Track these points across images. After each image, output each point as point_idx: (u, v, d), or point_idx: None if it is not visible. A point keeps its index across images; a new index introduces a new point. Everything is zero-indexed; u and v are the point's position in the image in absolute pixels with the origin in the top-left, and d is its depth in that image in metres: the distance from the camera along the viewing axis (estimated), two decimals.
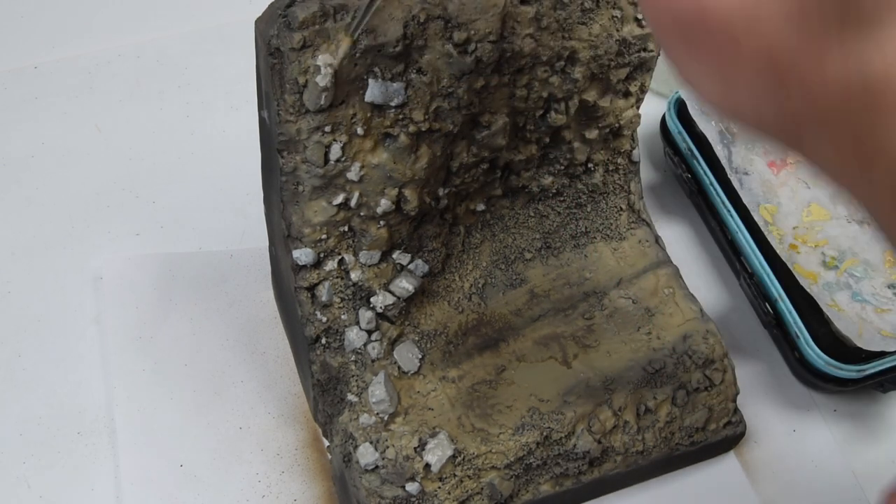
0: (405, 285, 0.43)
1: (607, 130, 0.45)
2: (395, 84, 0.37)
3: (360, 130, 0.38)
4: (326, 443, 0.47)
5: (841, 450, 0.50)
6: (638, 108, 0.45)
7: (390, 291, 0.43)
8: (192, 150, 0.60)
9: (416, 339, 0.44)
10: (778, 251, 0.51)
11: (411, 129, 0.38)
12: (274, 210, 0.42)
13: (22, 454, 0.47)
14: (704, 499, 0.48)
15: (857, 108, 0.20)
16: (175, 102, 0.63)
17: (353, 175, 0.39)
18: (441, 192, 0.42)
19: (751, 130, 0.24)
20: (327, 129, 0.38)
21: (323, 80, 0.36)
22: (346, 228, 0.41)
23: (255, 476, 0.47)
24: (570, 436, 0.43)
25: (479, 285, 0.46)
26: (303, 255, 0.40)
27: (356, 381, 0.43)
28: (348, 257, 0.41)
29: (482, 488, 0.42)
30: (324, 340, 0.43)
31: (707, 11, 0.21)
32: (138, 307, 0.52)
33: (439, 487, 0.41)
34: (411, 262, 0.43)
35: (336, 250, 0.41)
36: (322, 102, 0.37)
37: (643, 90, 0.45)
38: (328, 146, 0.38)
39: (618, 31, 0.41)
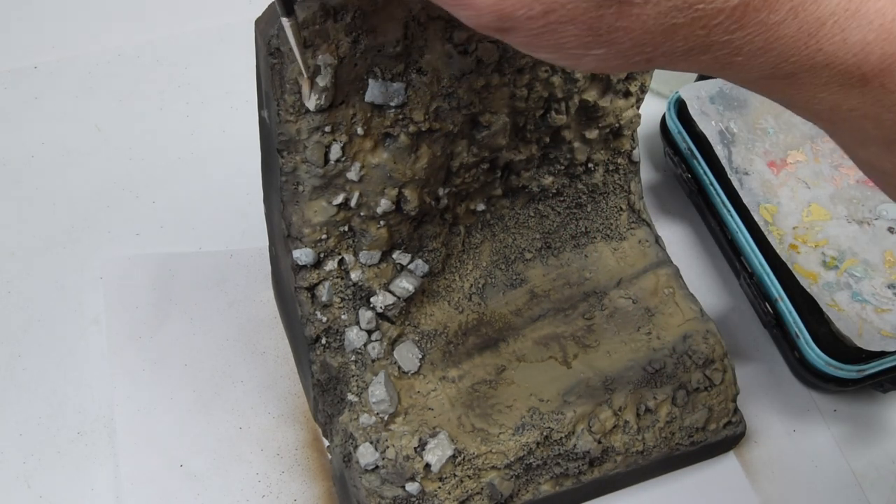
0: (405, 285, 0.43)
1: (607, 130, 0.45)
2: (395, 84, 0.37)
3: (360, 130, 0.38)
4: (326, 443, 0.47)
5: (841, 450, 0.50)
6: (638, 108, 0.45)
7: (390, 291, 0.43)
8: (192, 150, 0.60)
9: (416, 339, 0.44)
10: (778, 251, 0.51)
11: (411, 129, 0.38)
12: (274, 210, 0.42)
13: (22, 454, 0.47)
14: (704, 499, 0.48)
15: None
16: (175, 102, 0.63)
17: (353, 175, 0.39)
18: (441, 191, 0.42)
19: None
20: (327, 129, 0.38)
21: (323, 80, 0.36)
22: (346, 228, 0.41)
23: (255, 476, 0.47)
24: (570, 436, 0.43)
25: (480, 285, 0.46)
26: (303, 255, 0.40)
27: (356, 381, 0.43)
28: (348, 257, 0.41)
29: (482, 488, 0.42)
30: (324, 340, 0.43)
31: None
32: (138, 307, 0.52)
33: (439, 487, 0.41)
34: (411, 262, 0.43)
35: (336, 250, 0.41)
36: (322, 102, 0.37)
37: (643, 90, 0.45)
38: (328, 146, 0.38)
39: None
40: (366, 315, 0.42)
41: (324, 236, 0.40)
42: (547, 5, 0.24)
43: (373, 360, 0.43)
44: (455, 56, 0.37)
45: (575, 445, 0.43)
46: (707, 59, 0.26)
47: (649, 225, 0.50)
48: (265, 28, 0.37)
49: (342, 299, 0.42)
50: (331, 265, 0.41)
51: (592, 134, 0.45)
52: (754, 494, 0.48)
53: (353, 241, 0.41)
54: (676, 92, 0.58)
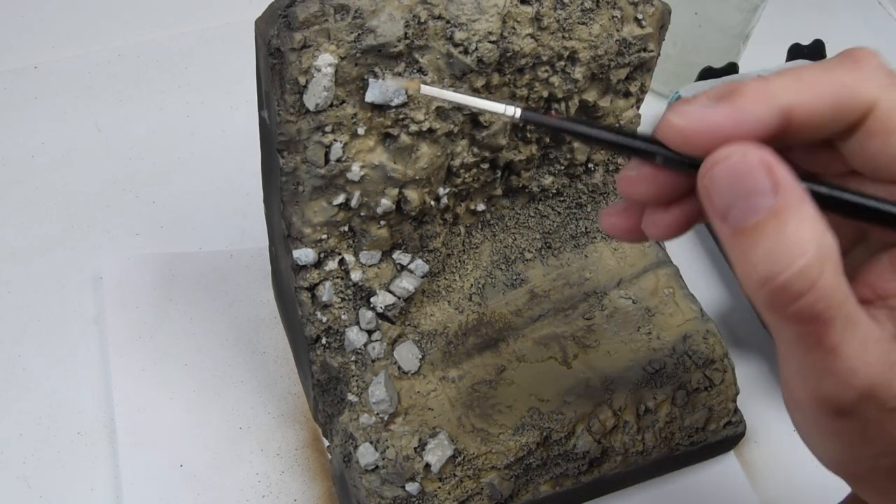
0: (405, 285, 0.43)
1: None
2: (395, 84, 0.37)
3: (360, 130, 0.38)
4: (326, 443, 0.47)
5: None
6: (638, 108, 0.45)
7: (390, 291, 0.43)
8: (192, 150, 0.60)
9: (417, 339, 0.44)
10: None
11: (412, 128, 0.38)
12: (274, 210, 0.42)
13: (22, 454, 0.47)
14: (704, 499, 0.48)
15: None
16: (175, 102, 0.63)
17: (353, 175, 0.39)
18: (441, 191, 0.42)
19: (854, 478, 0.28)
20: (327, 129, 0.38)
21: (323, 79, 0.36)
22: (346, 228, 0.41)
23: (255, 476, 0.47)
24: (570, 436, 0.43)
25: (480, 285, 0.46)
26: (303, 255, 0.40)
27: (356, 381, 0.43)
28: (348, 257, 0.41)
29: (482, 488, 0.42)
30: (324, 340, 0.43)
31: (867, 400, 0.24)
32: (138, 307, 0.52)
33: (439, 487, 0.41)
34: (411, 262, 0.43)
35: (336, 250, 0.41)
36: (322, 102, 0.37)
37: (643, 90, 0.45)
38: (328, 146, 0.38)
39: (618, 31, 0.41)
40: (366, 315, 0.42)
41: (324, 236, 0.40)
42: None
43: (373, 360, 0.43)
44: (455, 56, 0.37)
45: (575, 446, 0.43)
46: None
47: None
48: (265, 28, 0.37)
49: (342, 299, 0.42)
50: (331, 265, 0.41)
51: None
52: (754, 494, 0.48)
53: (354, 241, 0.41)
54: (676, 92, 0.58)
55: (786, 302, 0.23)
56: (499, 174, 0.45)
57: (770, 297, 0.23)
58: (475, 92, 0.39)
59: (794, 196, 0.24)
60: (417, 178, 0.40)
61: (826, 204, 0.25)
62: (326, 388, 0.44)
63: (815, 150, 0.28)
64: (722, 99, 0.25)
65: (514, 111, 0.29)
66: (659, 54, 0.43)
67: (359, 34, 0.36)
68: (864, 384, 0.24)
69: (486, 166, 0.43)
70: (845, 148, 0.26)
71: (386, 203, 0.40)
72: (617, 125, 0.45)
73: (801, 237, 0.23)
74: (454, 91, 0.31)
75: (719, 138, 0.25)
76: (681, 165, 0.26)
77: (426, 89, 0.31)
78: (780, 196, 0.23)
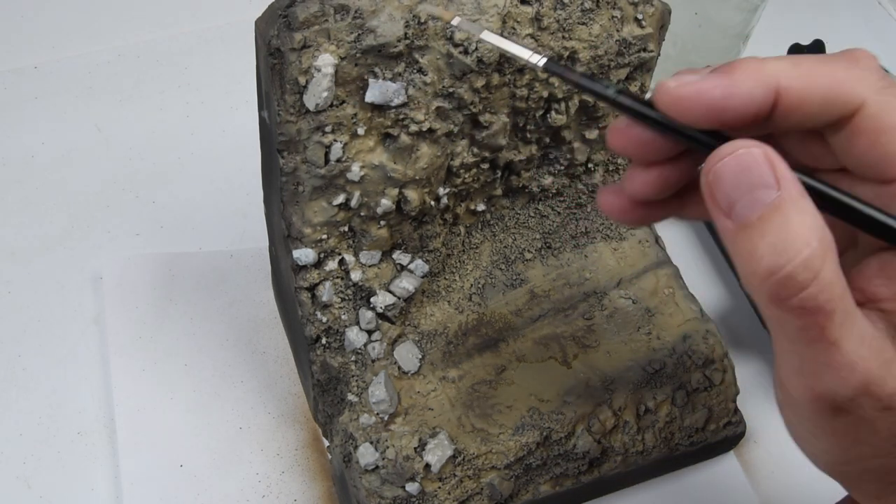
0: (405, 285, 0.43)
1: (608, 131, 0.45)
2: (395, 84, 0.37)
3: (360, 130, 0.38)
4: (326, 443, 0.47)
5: None
6: None
7: (390, 291, 0.43)
8: (192, 150, 0.60)
9: (417, 339, 0.44)
10: None
11: (412, 128, 0.38)
12: (274, 210, 0.42)
13: (22, 454, 0.47)
14: (704, 499, 0.48)
15: None
16: (175, 102, 0.63)
17: (353, 175, 0.39)
18: (441, 191, 0.42)
19: (846, 480, 0.28)
20: (327, 129, 0.38)
21: (323, 80, 0.36)
22: (346, 228, 0.41)
23: (255, 476, 0.47)
24: (570, 436, 0.43)
25: (480, 285, 0.46)
26: (303, 255, 0.40)
27: (356, 381, 0.43)
28: (349, 257, 0.41)
29: (482, 488, 0.42)
30: (324, 340, 0.43)
31: (863, 397, 0.25)
32: (138, 307, 0.52)
33: (439, 487, 0.41)
34: (411, 262, 0.43)
35: (336, 250, 0.41)
36: (322, 103, 0.37)
37: (643, 90, 0.45)
38: (328, 146, 0.38)
39: (618, 31, 0.41)
40: (366, 315, 0.42)
41: (324, 236, 0.40)
42: None
43: (373, 361, 0.43)
44: (456, 56, 0.37)
45: (575, 446, 0.43)
46: None
47: (649, 225, 0.50)
48: (265, 28, 0.37)
49: (342, 299, 0.42)
50: (331, 265, 0.41)
51: (592, 134, 0.45)
52: (754, 494, 0.48)
53: (354, 242, 0.41)
54: None
55: (790, 293, 0.24)
56: (499, 174, 0.45)
57: (774, 289, 0.24)
58: (475, 92, 0.39)
59: (795, 190, 0.24)
60: (417, 178, 0.40)
61: (816, 201, 0.25)
62: (326, 388, 0.44)
63: (809, 144, 0.28)
64: (717, 71, 0.26)
65: (538, 59, 0.30)
66: (659, 54, 0.43)
67: (359, 34, 0.36)
68: (861, 380, 0.24)
69: (486, 166, 0.43)
70: (835, 143, 0.27)
71: (386, 203, 0.40)
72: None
73: (804, 229, 0.24)
74: (486, 30, 0.32)
75: (709, 108, 0.26)
76: (671, 131, 0.27)
77: (458, 21, 0.34)
78: (782, 190, 0.24)
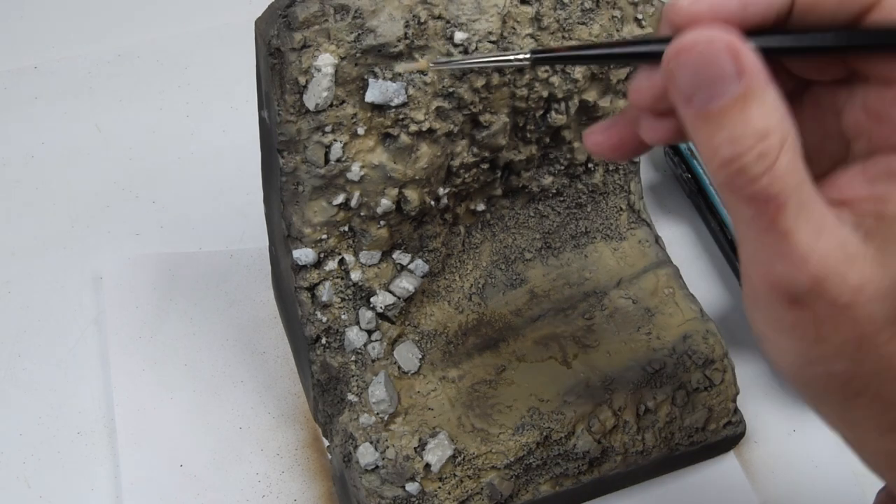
0: (405, 285, 0.43)
1: None
2: (395, 84, 0.37)
3: (360, 130, 0.38)
4: (326, 443, 0.47)
5: (841, 450, 0.50)
6: None
7: (390, 291, 0.43)
8: (192, 150, 0.60)
9: (416, 339, 0.44)
10: None
11: (412, 128, 0.38)
12: (274, 210, 0.42)
13: (22, 454, 0.47)
14: (704, 499, 0.48)
15: None
16: (175, 102, 0.63)
17: (353, 175, 0.39)
18: (441, 191, 0.42)
19: (810, 390, 0.28)
20: (327, 129, 0.38)
21: (323, 79, 0.36)
22: (346, 228, 0.41)
23: (255, 476, 0.47)
24: (570, 436, 0.43)
25: (480, 285, 0.46)
26: (303, 255, 0.40)
27: (356, 381, 0.43)
28: (348, 257, 0.41)
29: (482, 488, 0.42)
30: (324, 340, 0.43)
31: (819, 290, 0.24)
32: (138, 307, 0.52)
33: (439, 487, 0.41)
34: (411, 262, 0.43)
35: (336, 250, 0.41)
36: (322, 102, 0.37)
37: None
38: (328, 146, 0.38)
39: (618, 31, 0.41)
40: (366, 315, 0.42)
41: (324, 236, 0.40)
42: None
43: (373, 360, 0.43)
44: (456, 56, 0.37)
45: (575, 445, 0.43)
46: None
47: (649, 225, 0.50)
48: (265, 28, 0.37)
49: (342, 299, 0.42)
50: (331, 265, 0.41)
51: None
52: (754, 494, 0.48)
53: (354, 241, 0.41)
54: None
55: (744, 184, 0.24)
56: (499, 174, 0.45)
57: (728, 179, 0.24)
58: (475, 92, 0.39)
59: (759, 81, 0.24)
60: (417, 178, 0.40)
61: (782, 54, 0.25)
62: (326, 388, 0.44)
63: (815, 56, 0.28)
64: None
65: (524, 56, 0.30)
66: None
67: (359, 34, 0.36)
68: (815, 271, 0.24)
69: (486, 166, 0.43)
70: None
71: (386, 203, 0.40)
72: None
73: (762, 121, 0.24)
74: (462, 61, 0.32)
75: (727, 20, 0.25)
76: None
77: (435, 66, 0.33)
78: (744, 81, 0.24)
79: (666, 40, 0.26)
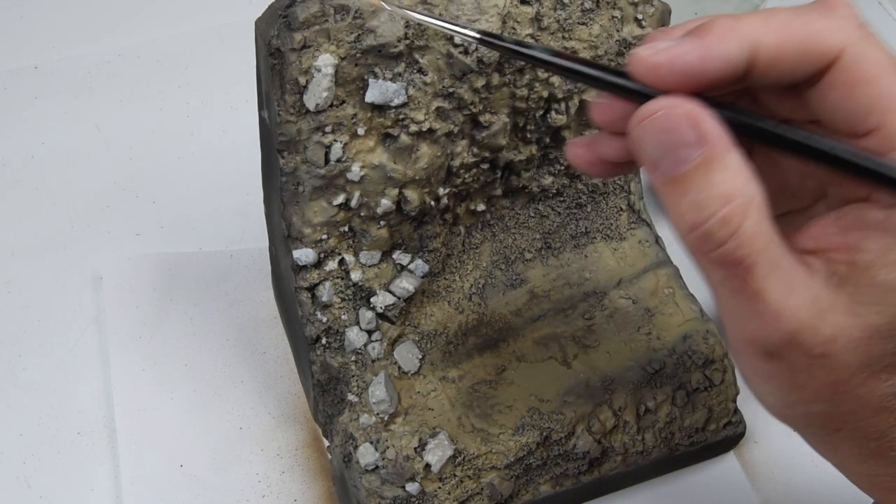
0: (405, 285, 0.43)
1: None
2: (395, 84, 0.37)
3: (360, 130, 0.38)
4: (326, 443, 0.47)
5: None
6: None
7: (390, 291, 0.43)
8: (192, 150, 0.60)
9: (416, 339, 0.44)
10: None
11: (412, 129, 0.38)
12: (274, 210, 0.42)
13: (22, 454, 0.47)
14: (704, 499, 0.48)
15: (887, 417, 0.26)
16: (175, 102, 0.63)
17: (353, 175, 0.39)
18: (441, 192, 0.42)
19: (793, 425, 0.29)
20: (327, 129, 0.38)
21: (323, 80, 0.36)
22: (346, 228, 0.41)
23: (255, 476, 0.47)
24: (570, 436, 0.43)
25: (480, 285, 0.46)
26: (303, 255, 0.40)
27: (356, 381, 0.43)
28: (349, 257, 0.41)
29: (482, 488, 0.42)
30: (324, 340, 0.43)
31: (794, 344, 0.25)
32: (138, 307, 0.52)
33: (439, 487, 0.41)
34: (411, 262, 0.43)
35: (336, 250, 0.41)
36: (322, 103, 0.37)
37: None
38: (328, 146, 0.38)
39: (618, 31, 0.41)
40: (366, 315, 0.42)
41: (324, 236, 0.40)
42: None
43: (373, 361, 0.43)
44: (456, 56, 0.37)
45: (575, 446, 0.43)
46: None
47: (649, 225, 0.50)
48: (265, 28, 0.37)
49: (342, 299, 0.42)
50: (331, 265, 0.41)
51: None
52: (754, 494, 0.48)
53: (354, 242, 0.41)
54: None
55: (710, 248, 0.25)
56: (499, 174, 0.45)
57: (696, 243, 0.25)
58: (475, 92, 0.39)
59: (720, 147, 0.24)
60: (417, 178, 0.40)
61: (752, 134, 0.26)
62: (326, 388, 0.44)
63: (782, 96, 0.28)
64: (691, 34, 0.26)
65: (474, 34, 0.31)
66: None
67: (359, 34, 0.36)
68: (788, 327, 0.25)
69: (486, 166, 0.43)
70: (810, 96, 0.27)
71: (386, 203, 0.40)
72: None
73: (725, 186, 0.24)
74: (418, 13, 0.33)
75: (685, 74, 0.25)
76: (643, 98, 0.26)
77: (389, 6, 0.34)
78: (706, 147, 0.24)
79: (617, 73, 0.27)
